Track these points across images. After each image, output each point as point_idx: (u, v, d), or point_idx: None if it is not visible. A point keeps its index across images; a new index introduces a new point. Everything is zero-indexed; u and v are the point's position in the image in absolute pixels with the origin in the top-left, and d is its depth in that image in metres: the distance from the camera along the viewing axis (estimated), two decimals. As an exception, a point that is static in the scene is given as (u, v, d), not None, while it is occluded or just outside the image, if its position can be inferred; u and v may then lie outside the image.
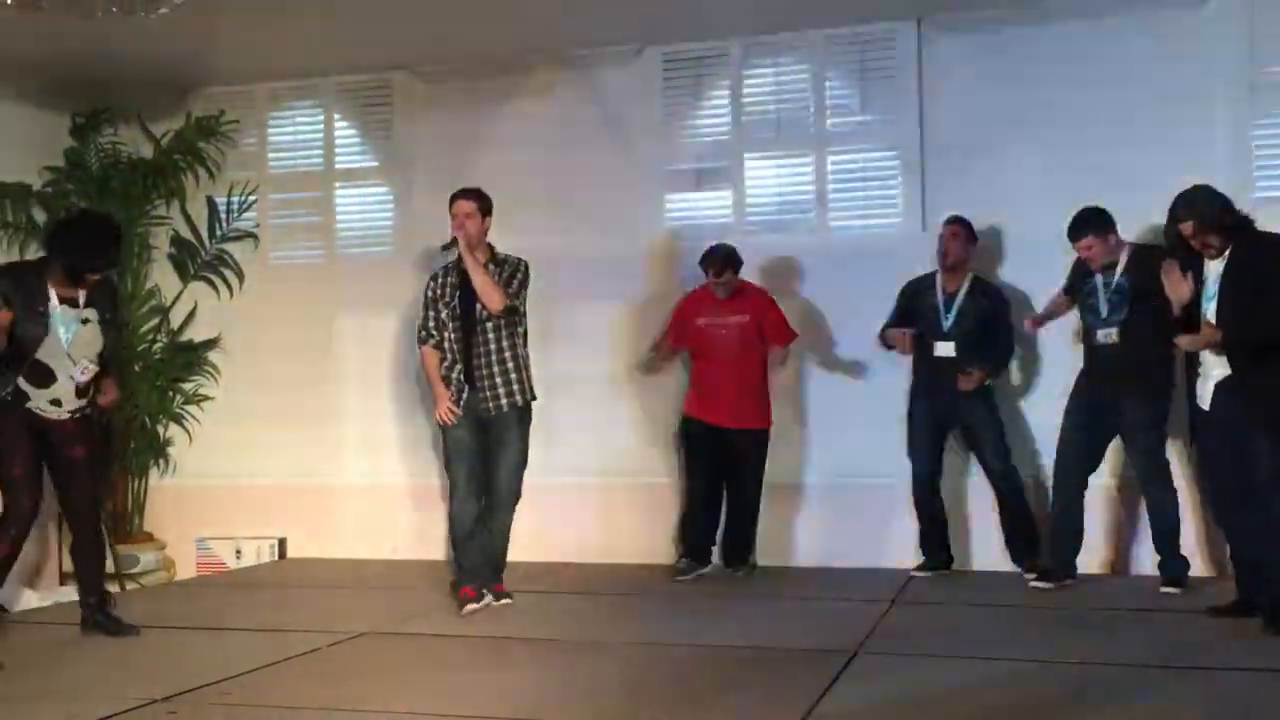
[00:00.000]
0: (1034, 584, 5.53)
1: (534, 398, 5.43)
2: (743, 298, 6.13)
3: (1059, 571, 5.53)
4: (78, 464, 4.78)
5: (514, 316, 5.35)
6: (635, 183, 6.77)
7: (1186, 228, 4.64)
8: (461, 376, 5.33)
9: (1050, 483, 5.71)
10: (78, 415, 4.74)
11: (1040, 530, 5.82)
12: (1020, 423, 6.11)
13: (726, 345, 6.08)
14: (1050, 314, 5.78)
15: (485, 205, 5.36)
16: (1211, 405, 4.73)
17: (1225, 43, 5.97)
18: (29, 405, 4.62)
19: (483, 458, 5.37)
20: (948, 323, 5.88)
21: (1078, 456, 5.54)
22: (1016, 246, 6.17)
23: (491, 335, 5.31)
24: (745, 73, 6.67)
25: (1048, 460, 5.79)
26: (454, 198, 5.37)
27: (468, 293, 5.29)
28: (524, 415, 5.41)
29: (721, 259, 6.05)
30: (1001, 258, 6.17)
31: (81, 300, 4.72)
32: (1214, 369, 4.71)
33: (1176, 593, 5.28)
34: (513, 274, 5.35)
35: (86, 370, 4.69)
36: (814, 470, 6.46)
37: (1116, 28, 6.09)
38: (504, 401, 5.33)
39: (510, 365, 5.34)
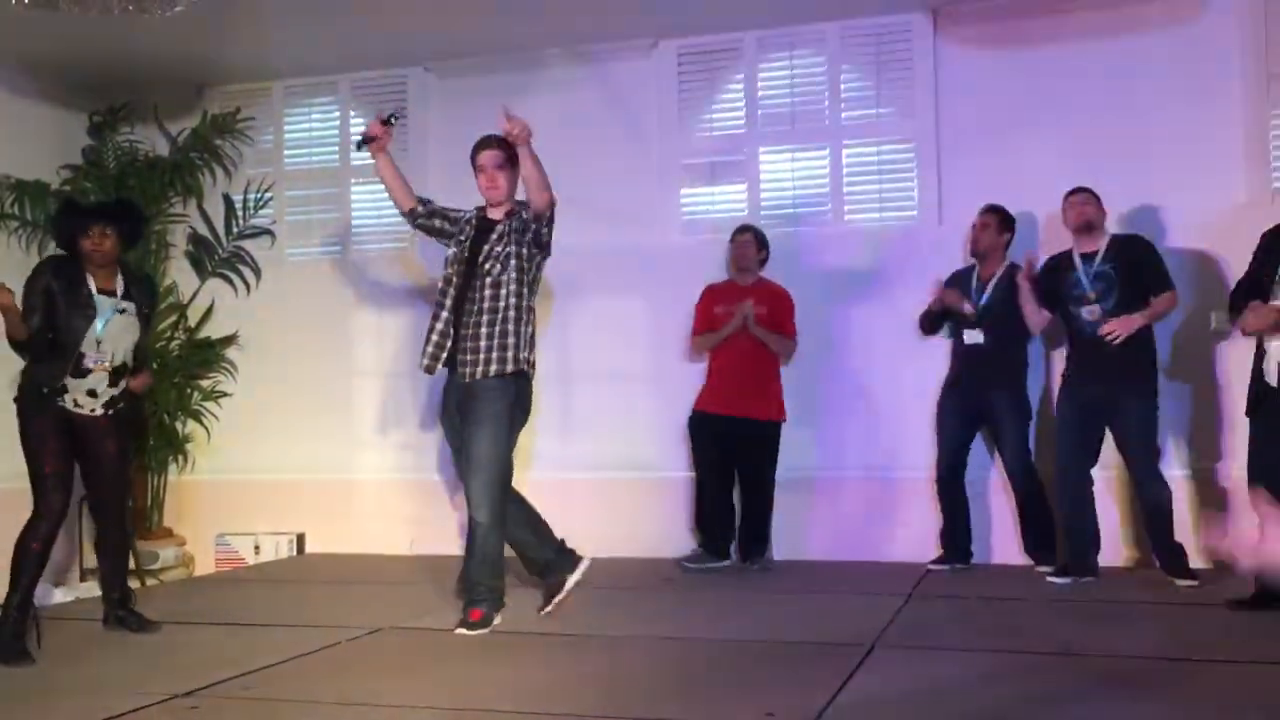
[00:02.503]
0: (1049, 579, 5.52)
1: (527, 369, 4.68)
2: (762, 290, 6.15)
3: (1078, 569, 5.49)
4: (108, 460, 4.79)
5: (545, 240, 4.73)
6: (650, 177, 6.77)
7: None
8: (444, 345, 4.65)
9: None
10: (110, 410, 4.75)
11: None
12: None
13: (738, 331, 6.08)
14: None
15: (513, 156, 4.64)
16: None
17: (1242, 31, 5.94)
18: (62, 402, 4.64)
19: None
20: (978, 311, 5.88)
21: (1076, 453, 5.50)
22: (1032, 239, 6.14)
23: (489, 293, 4.61)
24: (760, 66, 6.67)
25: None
26: (479, 146, 4.78)
27: (478, 246, 4.71)
28: (501, 388, 4.56)
29: (751, 227, 6.25)
30: (1018, 250, 6.14)
31: (119, 291, 4.74)
32: (1274, 342, 4.69)
33: (1194, 585, 5.26)
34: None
35: (100, 364, 4.65)
36: (829, 464, 6.46)
37: (1132, 17, 6.07)
38: (479, 369, 4.56)
39: (498, 329, 4.55)
